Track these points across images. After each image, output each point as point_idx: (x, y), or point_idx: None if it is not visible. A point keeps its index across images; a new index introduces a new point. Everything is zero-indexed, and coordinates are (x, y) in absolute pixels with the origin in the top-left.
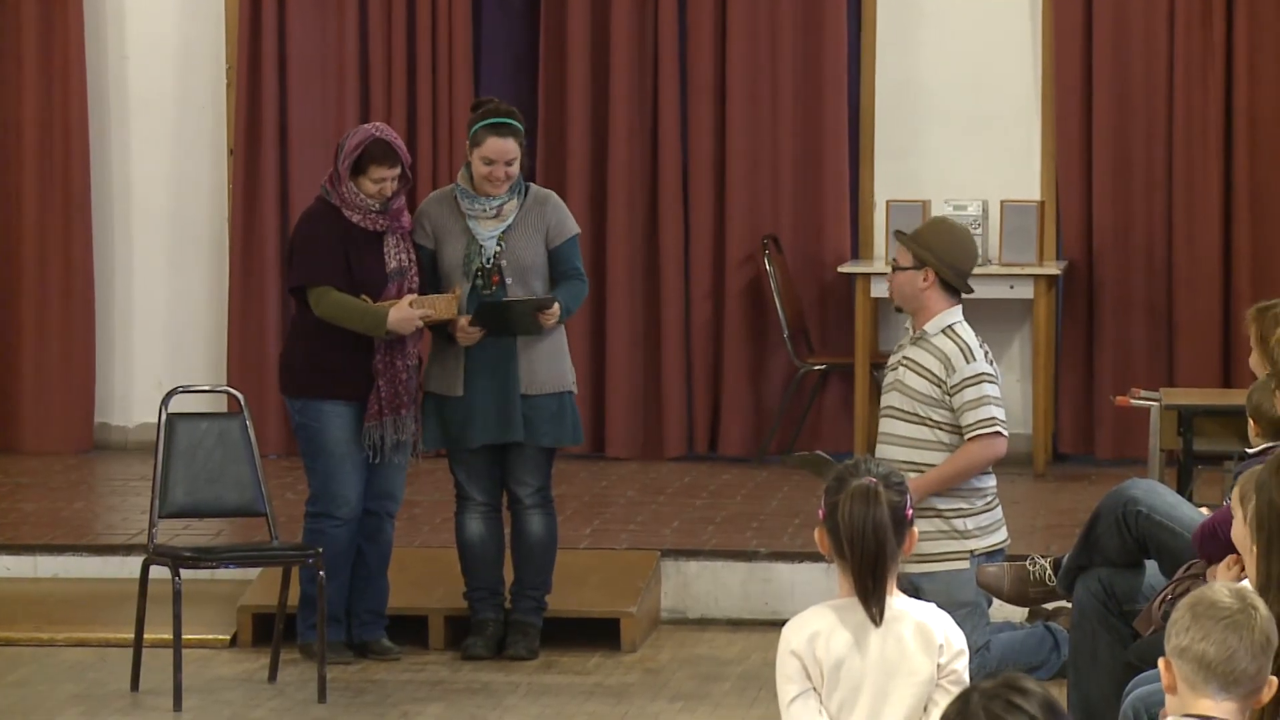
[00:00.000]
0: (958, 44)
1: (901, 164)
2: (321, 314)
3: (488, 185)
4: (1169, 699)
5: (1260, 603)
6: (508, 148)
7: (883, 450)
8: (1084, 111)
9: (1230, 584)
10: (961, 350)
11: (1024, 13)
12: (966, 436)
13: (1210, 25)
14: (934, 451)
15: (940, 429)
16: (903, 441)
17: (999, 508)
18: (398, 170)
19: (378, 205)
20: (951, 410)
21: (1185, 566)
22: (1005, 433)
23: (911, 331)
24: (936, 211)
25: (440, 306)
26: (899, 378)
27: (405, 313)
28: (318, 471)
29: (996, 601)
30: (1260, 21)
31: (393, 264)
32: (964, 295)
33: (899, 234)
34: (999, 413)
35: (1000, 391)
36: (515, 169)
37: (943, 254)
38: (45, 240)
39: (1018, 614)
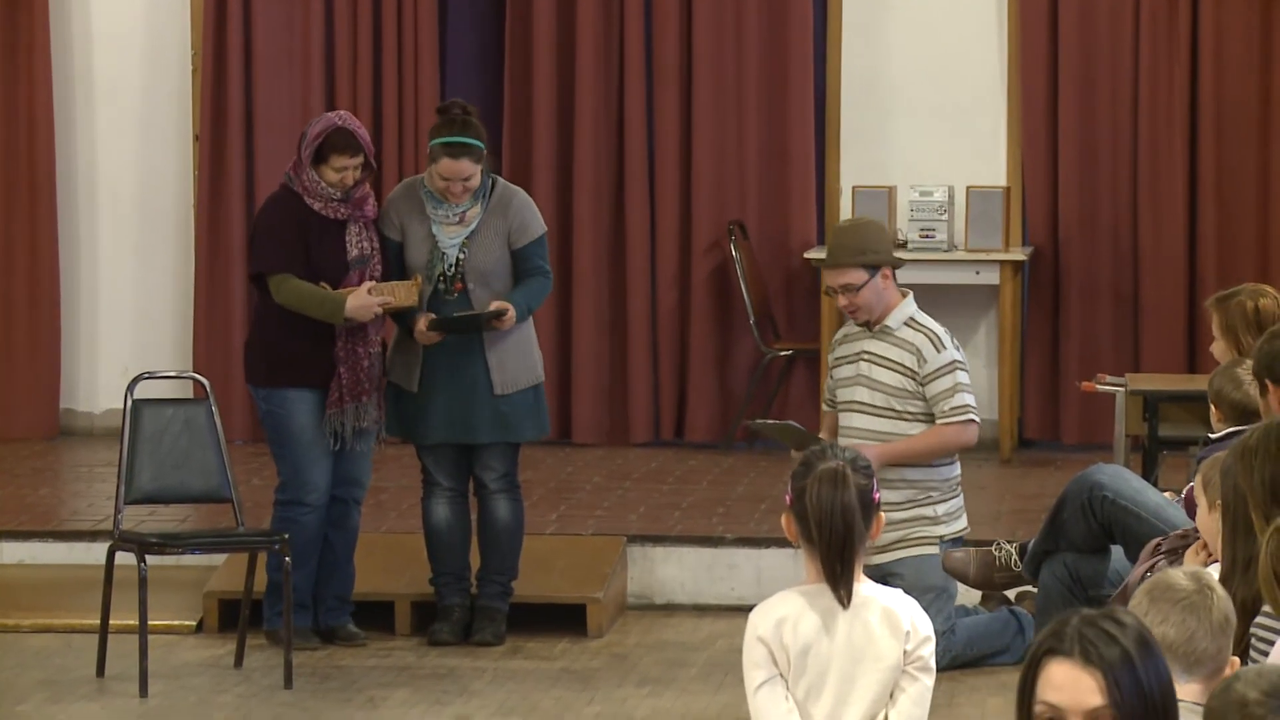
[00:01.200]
0: (923, 32)
1: (867, 151)
2: (281, 301)
3: (448, 197)
4: None
5: (1217, 584)
6: (462, 168)
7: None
8: (1049, 99)
9: (1187, 567)
10: (930, 340)
11: (989, 1)
12: (940, 422)
13: (1175, 14)
14: None
15: (914, 421)
16: (872, 436)
17: (962, 495)
18: (360, 159)
19: (339, 194)
20: (924, 400)
21: (1154, 544)
22: (978, 420)
23: (868, 328)
24: (903, 198)
25: (400, 294)
26: (863, 372)
27: (363, 300)
28: (286, 459)
29: (962, 586)
30: (1225, 11)
31: (354, 252)
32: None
33: (833, 260)
34: (972, 400)
35: (970, 378)
36: (474, 181)
37: (882, 248)
38: (11, 227)
39: (975, 598)
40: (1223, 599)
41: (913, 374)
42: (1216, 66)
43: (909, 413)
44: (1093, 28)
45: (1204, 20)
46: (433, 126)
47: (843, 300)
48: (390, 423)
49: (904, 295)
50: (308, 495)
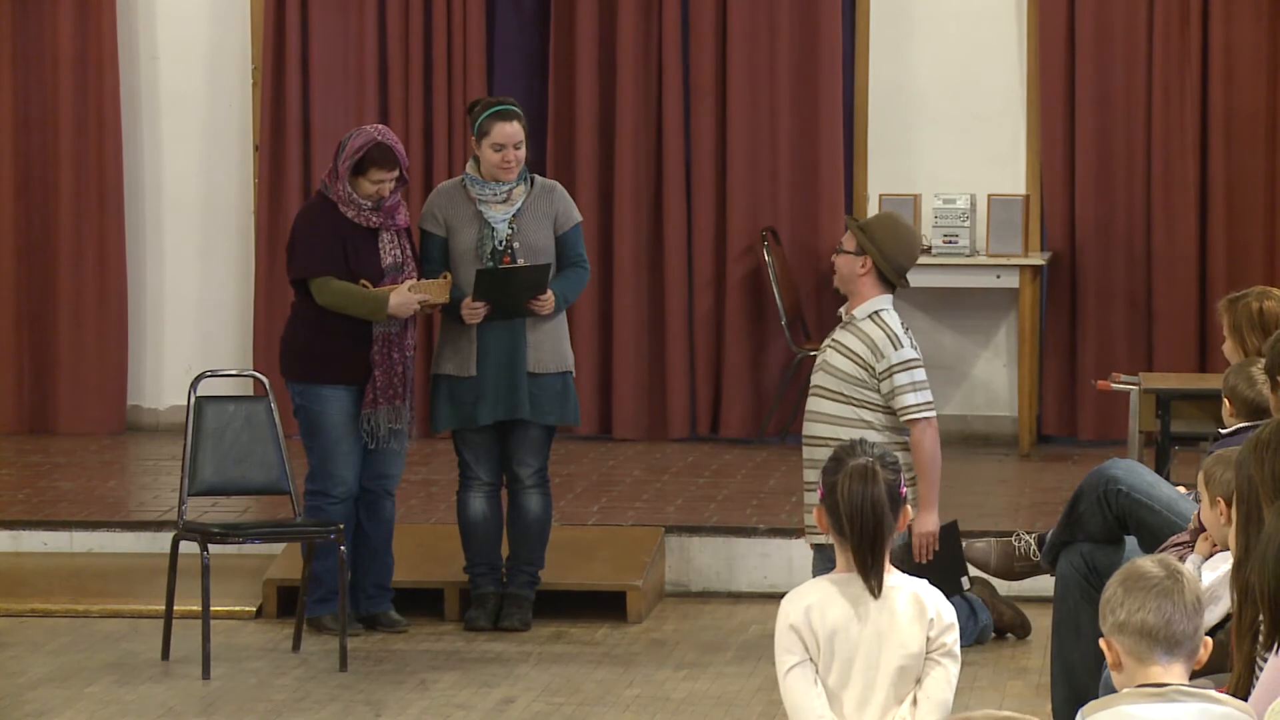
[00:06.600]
0: (946, 47)
1: (894, 160)
2: (325, 303)
3: (500, 172)
4: (1116, 677)
5: (1185, 569)
6: (513, 130)
7: (809, 427)
8: (1067, 110)
9: (1154, 556)
10: (889, 337)
11: (1009, 17)
12: (904, 418)
13: (1187, 29)
14: (855, 429)
15: (863, 408)
16: (826, 419)
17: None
18: (396, 173)
19: (370, 204)
20: (879, 393)
21: (1170, 543)
22: (933, 414)
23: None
24: (927, 205)
25: (434, 291)
26: (827, 359)
27: (404, 296)
28: (315, 451)
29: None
30: (1235, 25)
31: (388, 260)
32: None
33: (851, 219)
34: (925, 396)
35: (926, 375)
36: (522, 153)
37: (883, 246)
38: (81, 232)
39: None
40: (1191, 581)
41: (868, 366)
42: (1226, 79)
43: (857, 399)
44: (1108, 44)
45: (1214, 35)
46: (473, 115)
47: (833, 257)
48: (443, 416)
49: (880, 293)
50: (334, 488)
